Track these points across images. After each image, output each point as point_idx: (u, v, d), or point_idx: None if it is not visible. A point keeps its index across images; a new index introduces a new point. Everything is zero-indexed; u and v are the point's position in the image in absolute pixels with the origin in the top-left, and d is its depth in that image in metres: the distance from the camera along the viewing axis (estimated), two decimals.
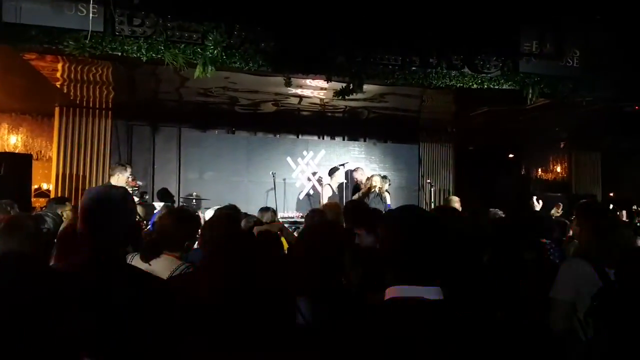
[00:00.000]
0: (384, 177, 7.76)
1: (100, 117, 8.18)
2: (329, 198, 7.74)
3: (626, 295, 2.10)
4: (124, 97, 7.73)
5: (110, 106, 8.13)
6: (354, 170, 8.30)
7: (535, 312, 2.40)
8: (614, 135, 8.70)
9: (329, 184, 8.11)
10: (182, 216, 2.61)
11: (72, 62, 5.76)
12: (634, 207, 6.46)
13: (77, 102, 7.81)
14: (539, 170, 11.17)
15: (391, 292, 1.32)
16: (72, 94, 7.34)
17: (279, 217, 6.67)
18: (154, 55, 4.57)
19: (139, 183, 7.10)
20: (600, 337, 2.20)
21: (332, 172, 8.20)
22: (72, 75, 6.43)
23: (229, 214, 3.20)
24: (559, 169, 10.77)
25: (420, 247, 1.32)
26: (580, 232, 2.57)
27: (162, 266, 2.30)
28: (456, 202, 6.34)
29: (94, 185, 8.04)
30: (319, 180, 9.16)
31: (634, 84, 5.69)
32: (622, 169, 9.31)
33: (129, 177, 5.82)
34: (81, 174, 8.00)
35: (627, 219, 5.92)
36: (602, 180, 9.76)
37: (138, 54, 4.55)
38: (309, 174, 9.46)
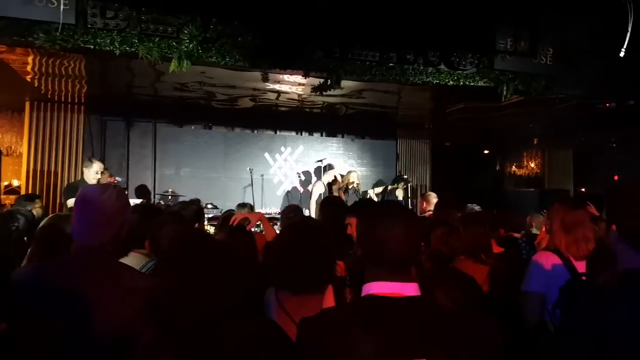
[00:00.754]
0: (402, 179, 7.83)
1: (72, 111, 8.00)
2: (321, 195, 7.76)
3: (593, 287, 2.16)
4: (97, 91, 7.57)
5: (83, 100, 7.95)
6: (324, 170, 8.34)
7: (504, 305, 2.44)
8: (586, 132, 8.92)
9: (322, 182, 8.13)
10: (149, 212, 2.57)
11: (43, 56, 5.62)
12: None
13: (49, 96, 7.62)
14: (513, 166, 11.38)
15: (368, 288, 1.34)
16: (43, 88, 7.15)
17: None
18: (127, 48, 4.46)
19: (117, 179, 6.96)
20: (567, 328, 2.26)
21: (326, 170, 8.26)
22: (44, 69, 6.27)
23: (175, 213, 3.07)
24: (532, 165, 10.99)
25: (395, 245, 1.32)
26: (549, 226, 2.62)
27: (130, 264, 2.25)
28: (434, 198, 6.40)
29: (65, 182, 7.88)
30: (299, 176, 9.15)
31: (605, 81, 5.82)
32: (593, 165, 9.54)
33: (97, 172, 5.68)
34: (52, 170, 7.82)
35: (598, 213, 6.08)
36: (574, 176, 9.99)
37: (111, 47, 4.43)
38: (287, 169, 9.44)
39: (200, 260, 1.35)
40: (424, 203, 6.66)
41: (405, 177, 8.51)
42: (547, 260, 2.43)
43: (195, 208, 3.13)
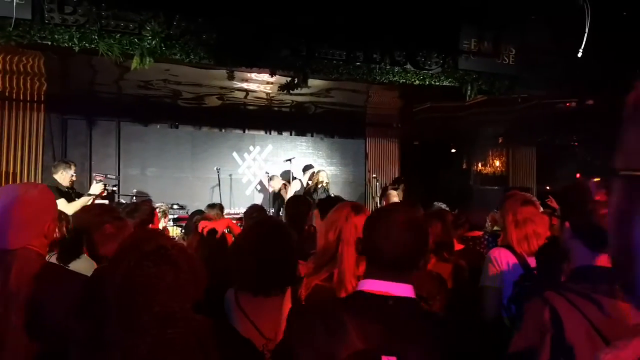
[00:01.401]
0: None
1: (32, 110, 7.71)
2: (295, 193, 7.76)
3: (542, 281, 2.22)
4: (58, 89, 7.35)
5: (42, 99, 7.68)
6: (270, 178, 8.36)
7: (469, 301, 2.48)
8: (548, 131, 9.18)
9: (300, 180, 8.13)
10: (101, 211, 2.48)
11: (0, 52, 5.43)
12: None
13: (7, 94, 7.34)
14: (479, 164, 11.61)
15: (362, 284, 1.36)
16: (0, 85, 6.89)
17: (225, 213, 6.57)
18: (87, 45, 4.34)
19: (110, 176, 6.63)
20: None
21: (307, 169, 8.28)
22: (1, 66, 6.05)
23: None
24: (497, 163, 11.24)
25: (392, 245, 1.33)
26: (502, 221, 2.67)
27: (82, 267, 2.12)
28: (394, 197, 6.48)
29: (25, 182, 7.61)
30: (268, 176, 9.08)
31: (566, 81, 6.00)
32: (556, 163, 9.82)
33: (72, 175, 5.53)
34: (11, 170, 7.54)
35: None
36: (537, 174, 10.26)
37: (70, 44, 4.30)
38: (256, 169, 9.38)
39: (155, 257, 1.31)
40: (384, 201, 6.76)
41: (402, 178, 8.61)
42: (501, 255, 2.48)
43: (147, 209, 3.05)
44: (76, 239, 2.13)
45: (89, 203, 5.12)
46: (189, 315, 1.30)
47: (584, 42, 4.29)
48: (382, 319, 1.25)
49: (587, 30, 4.22)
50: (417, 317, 1.31)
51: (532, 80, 6.09)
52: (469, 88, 5.74)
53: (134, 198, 7.10)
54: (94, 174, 5.86)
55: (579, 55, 4.43)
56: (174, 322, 1.27)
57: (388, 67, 5.53)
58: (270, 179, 8.34)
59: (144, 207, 2.99)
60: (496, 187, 9.01)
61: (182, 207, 7.72)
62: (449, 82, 5.72)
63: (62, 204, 5.20)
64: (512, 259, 2.43)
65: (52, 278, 1.58)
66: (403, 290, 1.31)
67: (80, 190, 5.98)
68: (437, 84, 5.66)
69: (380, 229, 1.35)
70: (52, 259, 2.19)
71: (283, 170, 9.10)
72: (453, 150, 11.44)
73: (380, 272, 1.33)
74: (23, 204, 1.58)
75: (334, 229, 1.89)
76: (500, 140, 10.53)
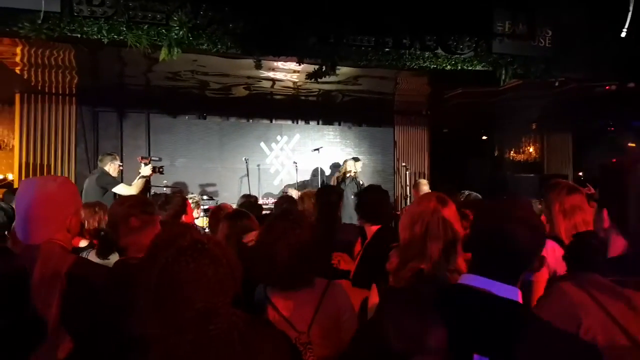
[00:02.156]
0: (356, 159, 7.73)
1: (64, 103, 7.88)
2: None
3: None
4: (89, 82, 7.45)
5: (74, 92, 7.83)
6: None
7: None
8: (585, 115, 8.84)
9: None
10: (134, 203, 2.46)
11: (31, 46, 5.51)
12: None
13: (39, 87, 7.51)
14: (512, 151, 11.30)
15: (466, 278, 1.30)
16: (33, 79, 7.04)
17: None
18: (115, 36, 4.35)
19: (154, 158, 6.71)
20: None
21: (348, 161, 8.21)
22: (32, 60, 6.15)
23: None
24: (531, 150, 10.91)
25: (515, 246, 1.25)
26: (547, 212, 2.53)
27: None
28: (425, 185, 6.34)
29: (59, 173, 7.79)
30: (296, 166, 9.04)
31: (604, 64, 5.72)
32: (592, 149, 9.48)
33: (120, 165, 5.87)
34: (45, 163, 7.72)
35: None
36: (573, 161, 9.92)
37: (99, 36, 4.32)
38: (283, 159, 9.35)
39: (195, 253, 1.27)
40: (415, 192, 6.61)
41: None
42: (548, 249, 2.35)
43: (178, 200, 3.02)
44: (111, 232, 2.12)
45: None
46: (230, 310, 1.27)
47: (628, 21, 4.05)
48: (480, 317, 1.19)
49: (631, 8, 3.98)
50: (520, 322, 1.20)
51: (570, 63, 5.84)
52: (504, 72, 5.53)
53: (165, 189, 7.17)
54: (139, 157, 6.01)
55: (623, 34, 4.19)
56: (215, 317, 1.24)
57: (418, 52, 5.36)
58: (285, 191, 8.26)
59: (176, 199, 2.98)
60: (531, 175, 8.72)
61: (211, 198, 7.76)
62: (482, 67, 5.53)
63: (122, 188, 5.62)
64: (560, 252, 2.30)
65: (77, 271, 1.56)
66: (508, 292, 1.23)
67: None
68: (470, 68, 5.48)
69: (494, 223, 1.27)
70: (92, 254, 2.19)
71: (311, 160, 9.03)
72: (484, 137, 11.16)
73: (487, 269, 1.25)
74: (43, 198, 1.55)
75: (420, 222, 1.84)
76: (534, 126, 10.20)
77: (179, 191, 3.58)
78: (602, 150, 9.12)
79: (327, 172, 9.16)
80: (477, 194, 4.75)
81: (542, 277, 2.34)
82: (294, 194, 7.94)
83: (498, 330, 1.16)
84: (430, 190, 6.34)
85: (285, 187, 8.44)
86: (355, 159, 7.75)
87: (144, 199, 2.42)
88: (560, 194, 2.40)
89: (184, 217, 2.94)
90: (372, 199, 2.88)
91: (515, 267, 1.26)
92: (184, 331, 1.21)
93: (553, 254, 2.32)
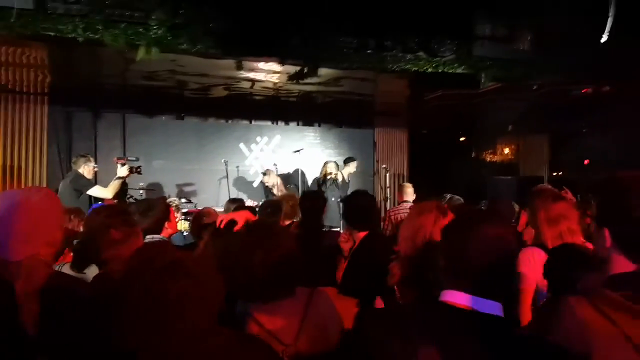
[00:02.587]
0: (350, 160, 7.73)
1: (35, 103, 7.57)
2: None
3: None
4: (62, 81, 7.22)
5: (46, 91, 7.55)
6: (264, 173, 8.12)
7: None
8: (561, 118, 8.99)
9: (342, 172, 7.97)
10: (116, 211, 2.34)
11: (1, 44, 5.31)
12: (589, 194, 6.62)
13: (9, 87, 7.22)
14: (488, 153, 11.44)
15: (445, 294, 1.26)
16: (3, 78, 6.77)
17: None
18: (91, 35, 4.22)
19: (130, 158, 6.52)
20: None
21: (348, 161, 8.13)
22: (3, 58, 5.93)
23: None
24: (507, 151, 11.06)
25: (488, 258, 1.23)
26: (532, 219, 2.53)
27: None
28: (409, 188, 6.33)
29: (30, 177, 7.52)
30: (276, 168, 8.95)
31: (583, 67, 5.82)
32: (567, 151, 9.65)
33: (94, 167, 5.67)
34: (16, 165, 7.43)
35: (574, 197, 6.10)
36: (549, 163, 10.09)
37: (74, 34, 4.18)
38: (263, 160, 9.25)
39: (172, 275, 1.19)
40: (399, 195, 6.59)
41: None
42: (535, 256, 2.33)
43: (161, 206, 2.90)
44: (89, 243, 2.01)
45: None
46: (216, 329, 1.21)
47: (608, 26, 4.12)
48: (465, 335, 1.17)
49: (611, 14, 4.05)
50: (505, 338, 1.19)
51: (549, 66, 5.93)
52: (483, 75, 5.59)
53: (141, 191, 6.99)
54: (115, 158, 5.83)
55: (604, 39, 4.26)
56: (203, 338, 1.17)
57: (400, 54, 5.38)
58: (265, 173, 8.13)
59: (159, 205, 2.85)
60: (509, 177, 8.83)
61: (189, 201, 7.61)
62: (463, 70, 5.58)
63: (98, 191, 5.41)
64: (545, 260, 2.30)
65: (60, 288, 1.47)
66: (490, 307, 1.21)
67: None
68: (451, 71, 5.51)
69: (470, 236, 1.25)
70: (66, 267, 2.07)
71: (291, 161, 8.96)
72: (462, 139, 11.27)
73: (466, 285, 1.23)
74: (25, 211, 1.45)
75: (422, 233, 1.80)
76: (510, 128, 10.34)
77: (162, 197, 3.47)
78: (576, 152, 9.31)
79: (307, 173, 9.09)
80: (459, 197, 4.77)
81: (529, 286, 2.33)
82: (273, 177, 7.82)
83: (482, 350, 1.15)
84: (414, 194, 6.33)
85: (266, 170, 8.19)
86: (351, 159, 7.76)
87: (123, 209, 2.31)
88: (545, 201, 2.40)
89: (167, 225, 2.82)
90: (360, 205, 2.84)
91: (492, 281, 1.24)
92: (172, 355, 1.14)
93: (540, 262, 2.31)
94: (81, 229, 3.25)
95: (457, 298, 1.22)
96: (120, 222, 1.98)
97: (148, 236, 2.77)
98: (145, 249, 1.54)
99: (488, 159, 11.35)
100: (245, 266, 1.85)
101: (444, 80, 6.31)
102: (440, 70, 5.61)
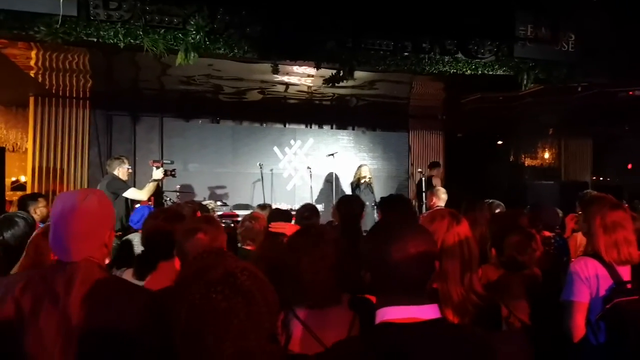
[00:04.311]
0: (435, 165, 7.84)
1: (77, 106, 7.86)
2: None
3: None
4: (103, 86, 7.43)
5: (88, 95, 7.81)
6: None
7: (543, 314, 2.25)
8: (605, 121, 8.66)
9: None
10: (170, 215, 2.36)
11: (46, 50, 5.48)
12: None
13: (53, 91, 7.49)
14: (527, 156, 11.12)
15: (383, 314, 1.24)
16: (47, 83, 7.03)
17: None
18: (132, 41, 4.30)
19: (165, 161, 6.63)
20: (613, 342, 2.07)
21: (433, 166, 8.10)
22: (47, 64, 6.13)
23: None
24: (547, 156, 10.73)
25: (408, 266, 1.22)
26: (587, 227, 2.41)
27: (161, 279, 2.02)
28: (443, 194, 6.20)
29: (72, 179, 7.77)
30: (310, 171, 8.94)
31: (629, 69, 5.58)
32: (612, 155, 9.29)
33: (128, 168, 5.68)
34: (58, 166, 7.70)
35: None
36: (593, 167, 9.73)
37: (115, 40, 4.27)
38: (297, 163, 9.26)
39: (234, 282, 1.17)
40: (433, 198, 6.47)
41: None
42: (588, 266, 2.23)
43: (190, 211, 2.92)
44: (151, 250, 2.01)
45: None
46: (265, 349, 1.15)
47: None
48: (425, 349, 1.16)
49: None
50: (461, 341, 1.23)
51: (593, 68, 5.71)
52: (525, 77, 5.42)
53: (177, 194, 7.11)
54: (151, 161, 5.87)
55: None
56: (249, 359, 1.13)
57: (438, 56, 5.27)
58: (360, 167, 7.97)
59: (186, 211, 2.87)
60: (551, 182, 8.54)
61: (224, 204, 7.68)
62: (503, 71, 5.43)
63: (134, 192, 5.45)
64: (601, 270, 2.18)
65: (116, 293, 1.48)
66: (431, 312, 1.23)
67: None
68: (491, 73, 5.37)
69: (395, 250, 1.23)
70: (127, 274, 2.09)
71: (325, 165, 8.94)
72: (500, 142, 10.99)
73: (400, 297, 1.23)
74: (83, 213, 1.48)
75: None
76: (551, 131, 10.03)
77: (191, 201, 3.47)
78: (619, 156, 8.95)
79: (341, 177, 9.05)
80: (500, 203, 4.62)
81: (583, 298, 2.21)
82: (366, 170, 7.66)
83: (445, 354, 1.17)
84: (446, 198, 6.20)
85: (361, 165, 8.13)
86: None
87: (179, 211, 2.33)
88: (602, 208, 2.28)
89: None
90: (397, 211, 2.78)
91: (422, 287, 1.24)
92: None
93: (594, 271, 2.19)
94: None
95: (399, 313, 1.21)
96: (204, 224, 1.97)
97: None
98: (201, 258, 1.54)
99: (528, 163, 11.04)
100: (293, 271, 1.86)
101: (482, 82, 6.15)
102: (479, 72, 5.47)
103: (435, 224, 1.86)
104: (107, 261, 1.62)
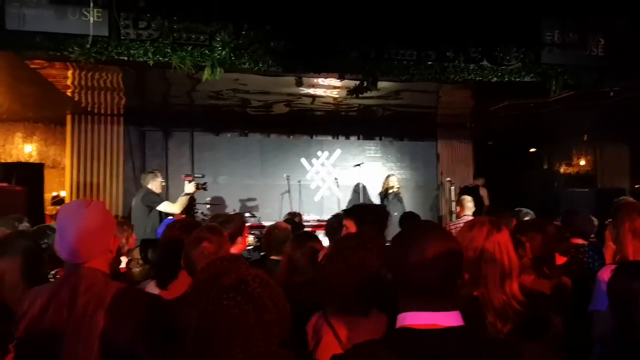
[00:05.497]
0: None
1: (112, 123, 8.13)
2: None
3: None
4: (136, 102, 7.68)
5: (121, 112, 8.08)
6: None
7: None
8: None
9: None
10: (189, 224, 2.42)
11: (82, 69, 5.72)
12: None
13: (89, 109, 7.78)
14: (562, 164, 10.82)
15: (403, 319, 1.23)
16: (83, 100, 7.31)
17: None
18: (160, 58, 4.45)
19: (197, 175, 6.81)
20: None
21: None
22: (82, 82, 6.39)
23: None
24: (583, 162, 10.41)
25: (430, 270, 1.21)
26: (616, 233, 2.33)
27: (183, 287, 2.05)
28: (469, 202, 6.12)
29: (108, 193, 8.02)
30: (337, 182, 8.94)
31: None
32: None
33: (162, 182, 5.88)
34: (95, 181, 7.96)
35: None
36: (631, 174, 9.36)
37: (144, 58, 4.43)
38: (324, 174, 9.29)
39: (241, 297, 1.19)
40: (458, 208, 6.38)
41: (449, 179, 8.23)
42: None
43: (238, 221, 3.02)
44: (171, 258, 2.08)
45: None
46: (275, 355, 1.18)
47: None
48: (439, 356, 1.15)
49: None
50: (482, 348, 1.21)
51: (625, 72, 5.54)
52: (554, 83, 5.30)
53: (208, 206, 7.23)
54: (182, 175, 6.06)
55: None
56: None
57: (463, 64, 5.23)
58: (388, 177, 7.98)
59: (236, 219, 2.97)
60: (586, 190, 8.27)
61: (253, 215, 7.77)
62: (530, 78, 5.33)
63: (167, 206, 5.59)
64: (630, 280, 2.10)
65: (120, 300, 1.54)
66: (452, 319, 1.21)
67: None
68: (518, 80, 5.28)
69: (415, 254, 1.22)
70: (151, 285, 2.16)
71: (352, 175, 8.94)
72: (532, 150, 10.74)
73: (422, 302, 1.21)
74: (89, 216, 1.57)
75: (473, 248, 1.80)
76: (585, 138, 9.73)
77: (239, 213, 3.57)
78: None
79: (369, 187, 9.02)
80: (529, 211, 4.51)
81: None
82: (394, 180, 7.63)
83: None
84: (474, 207, 6.12)
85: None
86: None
87: (194, 222, 2.39)
88: (631, 213, 2.22)
89: (239, 239, 2.93)
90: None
91: (445, 293, 1.22)
92: None
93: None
94: (132, 239, 3.44)
95: (419, 319, 1.19)
96: (209, 233, 2.03)
97: None
98: (215, 264, 1.57)
99: (562, 171, 10.74)
100: (331, 276, 1.91)
101: (510, 89, 6.05)
102: (506, 79, 5.40)
103: (475, 231, 1.85)
104: (122, 265, 1.68)
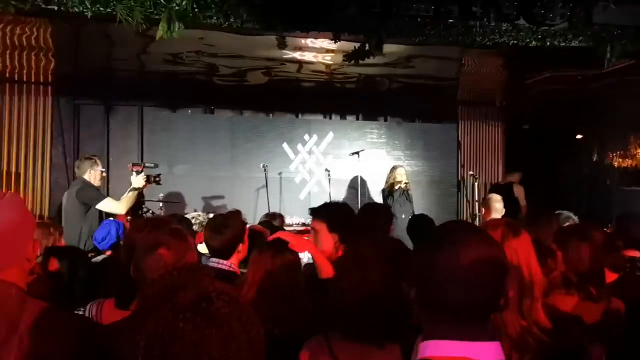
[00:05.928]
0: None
1: (37, 94, 8.06)
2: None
3: None
4: (69, 68, 7.63)
5: (50, 80, 8.01)
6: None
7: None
8: None
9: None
10: (158, 225, 2.41)
11: None
12: None
13: (7, 75, 7.70)
14: (616, 155, 10.96)
15: (425, 348, 1.21)
16: (0, 64, 7.22)
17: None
18: (101, 8, 4.40)
19: (148, 165, 6.72)
20: None
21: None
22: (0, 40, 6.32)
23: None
24: None
25: (465, 286, 1.19)
26: None
27: None
28: (497, 202, 6.19)
29: (30, 182, 7.95)
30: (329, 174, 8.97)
31: None
32: None
33: (102, 171, 5.87)
34: (12, 169, 7.89)
35: None
36: None
37: (81, 8, 4.38)
38: (312, 165, 9.31)
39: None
40: (483, 209, 6.47)
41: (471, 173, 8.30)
42: None
43: (238, 226, 3.03)
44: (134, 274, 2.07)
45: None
46: None
47: None
48: None
49: None
50: None
51: None
52: (609, 50, 5.36)
53: (161, 205, 7.21)
54: (130, 165, 5.98)
55: None
56: None
57: (493, 24, 5.25)
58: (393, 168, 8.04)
59: (234, 222, 2.97)
60: None
61: None
62: (578, 42, 5.38)
63: (110, 204, 5.54)
64: None
65: (42, 324, 1.53)
66: (490, 351, 1.18)
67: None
68: (563, 44, 5.33)
69: (446, 262, 1.20)
70: (106, 305, 2.17)
71: (348, 166, 8.97)
72: (579, 137, 10.86)
73: (451, 327, 1.19)
74: (0, 217, 1.54)
75: None
76: None
77: (237, 211, 3.54)
78: None
79: (370, 182, 9.06)
80: (570, 214, 4.57)
81: None
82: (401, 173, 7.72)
83: None
84: (503, 209, 6.19)
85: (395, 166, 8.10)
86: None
87: (167, 220, 2.40)
88: None
89: (240, 247, 2.97)
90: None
91: (482, 317, 1.21)
92: None
93: None
94: (60, 245, 3.42)
95: (448, 349, 1.17)
96: (169, 237, 2.03)
97: (213, 259, 2.90)
98: (170, 277, 1.56)
99: (616, 165, 10.88)
100: (337, 290, 2.00)
101: (552, 56, 6.12)
102: (547, 44, 5.45)
103: None
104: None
